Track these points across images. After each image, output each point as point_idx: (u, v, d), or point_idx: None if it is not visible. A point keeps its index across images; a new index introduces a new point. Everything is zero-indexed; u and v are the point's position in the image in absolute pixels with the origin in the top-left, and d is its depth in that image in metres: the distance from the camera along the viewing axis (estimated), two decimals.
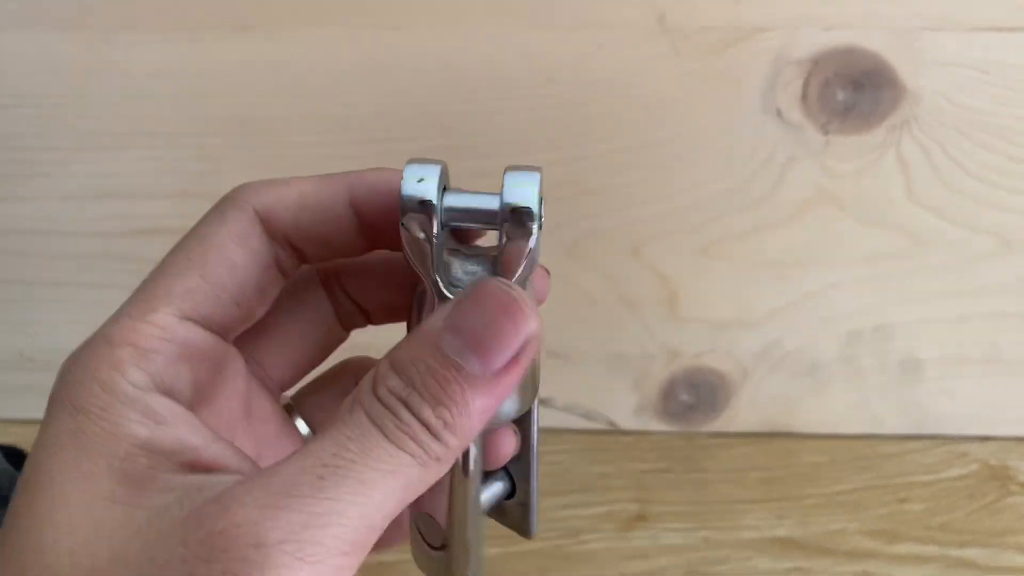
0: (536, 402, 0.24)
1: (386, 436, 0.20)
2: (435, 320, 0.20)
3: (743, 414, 0.47)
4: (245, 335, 0.24)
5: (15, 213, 0.44)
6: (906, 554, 0.42)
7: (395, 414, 0.20)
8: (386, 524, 0.20)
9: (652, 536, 0.43)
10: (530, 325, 0.20)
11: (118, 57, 0.41)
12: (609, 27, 0.39)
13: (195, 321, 0.22)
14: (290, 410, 0.26)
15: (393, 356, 0.20)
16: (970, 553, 0.42)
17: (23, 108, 0.42)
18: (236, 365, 0.24)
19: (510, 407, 0.23)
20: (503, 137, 0.41)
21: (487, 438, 0.24)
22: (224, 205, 0.23)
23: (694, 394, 0.46)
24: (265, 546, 0.18)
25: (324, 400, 0.27)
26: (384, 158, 0.40)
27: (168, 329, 0.21)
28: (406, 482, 0.20)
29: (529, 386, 0.23)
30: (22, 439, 0.39)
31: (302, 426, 0.26)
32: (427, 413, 0.20)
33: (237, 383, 0.24)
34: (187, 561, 0.18)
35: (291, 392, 0.27)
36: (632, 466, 0.46)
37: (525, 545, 0.42)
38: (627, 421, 0.47)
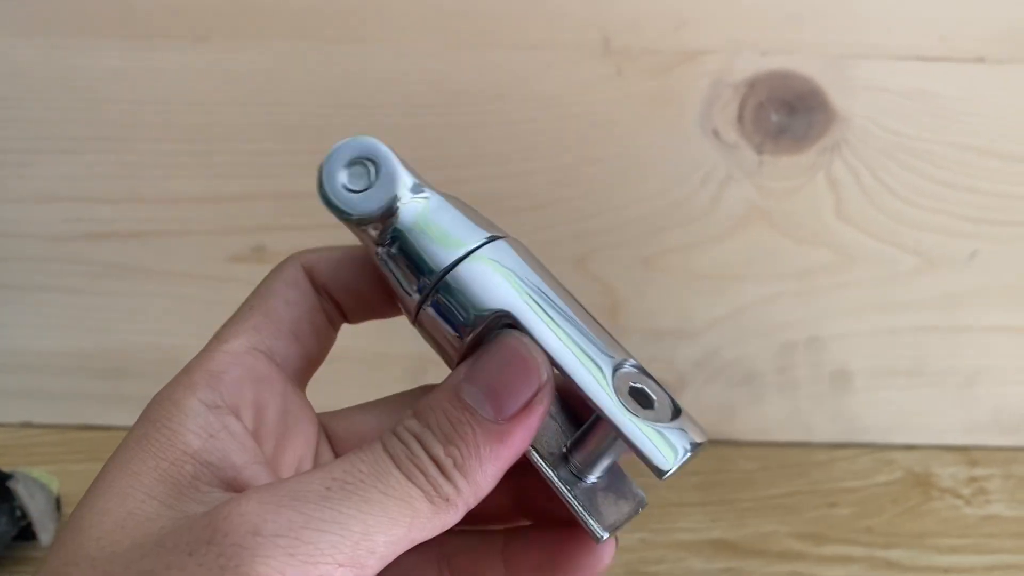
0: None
1: (397, 466, 0.21)
2: (458, 372, 0.22)
3: None
4: (269, 327, 0.25)
5: None
6: (834, 555, 0.44)
7: (408, 447, 0.21)
8: (389, 555, 0.20)
9: None
10: (541, 376, 0.22)
11: (75, 62, 0.41)
12: (556, 47, 0.41)
13: (261, 351, 0.24)
14: None
15: (418, 404, 0.22)
16: (894, 554, 0.44)
17: None
18: (300, 405, 0.25)
19: None
20: (452, 151, 0.42)
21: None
22: (279, 264, 0.26)
23: None
24: (260, 535, 0.19)
25: (359, 426, 0.27)
26: None
27: (237, 355, 0.23)
28: (413, 515, 0.20)
29: None
30: None
31: None
32: (438, 450, 0.21)
33: (301, 424, 0.25)
34: (190, 543, 0.19)
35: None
36: None
37: None
38: None
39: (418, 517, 0.20)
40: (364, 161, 0.24)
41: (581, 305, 0.23)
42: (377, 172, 0.24)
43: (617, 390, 0.22)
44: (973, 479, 0.47)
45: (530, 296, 0.23)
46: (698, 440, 0.22)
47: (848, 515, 0.45)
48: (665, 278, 0.45)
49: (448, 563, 0.25)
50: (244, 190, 0.44)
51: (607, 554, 0.24)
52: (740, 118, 0.42)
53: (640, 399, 0.22)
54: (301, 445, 0.25)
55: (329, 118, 0.42)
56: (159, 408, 0.22)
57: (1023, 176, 0.44)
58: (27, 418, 0.47)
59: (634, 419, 0.21)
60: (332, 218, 0.47)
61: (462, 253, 0.23)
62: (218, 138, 0.43)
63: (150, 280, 0.45)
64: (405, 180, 0.23)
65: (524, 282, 0.23)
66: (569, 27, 0.40)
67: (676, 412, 0.22)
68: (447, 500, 0.21)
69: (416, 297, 0.23)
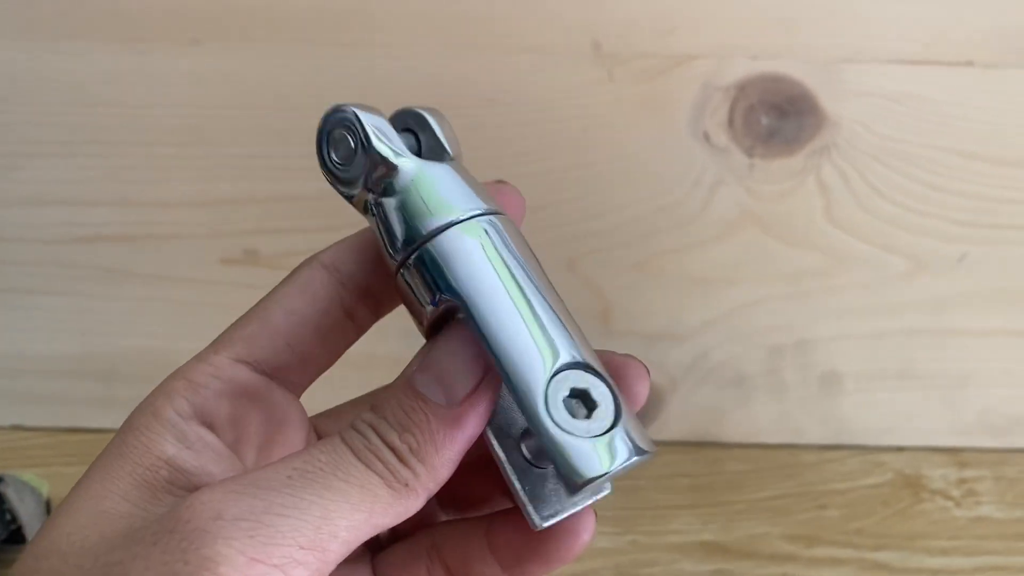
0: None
1: (355, 454, 0.21)
2: (410, 364, 0.22)
3: (672, 424, 0.48)
4: (262, 337, 0.24)
5: None
6: (824, 557, 0.44)
7: (365, 437, 0.22)
8: (352, 540, 0.21)
9: None
10: (489, 359, 0.22)
11: (65, 65, 0.41)
12: (548, 52, 0.41)
13: (247, 363, 0.24)
14: None
15: (375, 398, 0.22)
16: (884, 556, 0.44)
17: None
18: (290, 412, 0.25)
19: None
20: None
21: None
22: (297, 267, 0.25)
23: None
24: (222, 519, 0.19)
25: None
26: None
27: (219, 368, 0.23)
28: (373, 500, 0.21)
29: None
30: None
31: None
32: (393, 437, 0.22)
33: (288, 431, 0.25)
34: (156, 533, 0.20)
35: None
36: None
37: None
38: None
39: (378, 503, 0.21)
40: (345, 132, 0.24)
41: (552, 294, 0.23)
42: (354, 141, 0.23)
43: (550, 395, 0.21)
44: (963, 481, 0.47)
45: (494, 285, 0.22)
46: (629, 455, 0.21)
47: (838, 517, 0.45)
48: (656, 281, 0.45)
49: (438, 553, 0.25)
50: (236, 193, 0.44)
51: (585, 533, 0.23)
52: (731, 122, 0.42)
53: (585, 402, 0.21)
54: (287, 452, 0.25)
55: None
56: (140, 416, 0.23)
57: (1012, 180, 0.44)
58: (17, 421, 0.47)
59: (555, 426, 0.21)
60: (324, 221, 0.47)
61: (444, 223, 0.22)
62: (209, 141, 0.43)
63: (141, 283, 0.45)
64: (381, 145, 0.23)
65: (495, 268, 0.22)
66: (561, 31, 0.41)
67: (615, 421, 0.21)
68: (406, 485, 0.21)
69: (398, 259, 0.23)
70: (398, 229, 0.23)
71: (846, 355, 0.47)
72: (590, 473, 0.21)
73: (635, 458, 0.21)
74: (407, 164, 0.23)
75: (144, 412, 0.23)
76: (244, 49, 0.41)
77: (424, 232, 0.22)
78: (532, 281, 0.22)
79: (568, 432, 0.21)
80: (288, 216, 0.44)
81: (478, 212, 0.23)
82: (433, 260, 0.22)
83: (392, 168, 0.23)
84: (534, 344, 0.21)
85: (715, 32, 0.41)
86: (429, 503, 0.24)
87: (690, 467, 0.47)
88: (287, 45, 0.41)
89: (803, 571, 0.43)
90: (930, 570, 0.43)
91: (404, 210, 0.23)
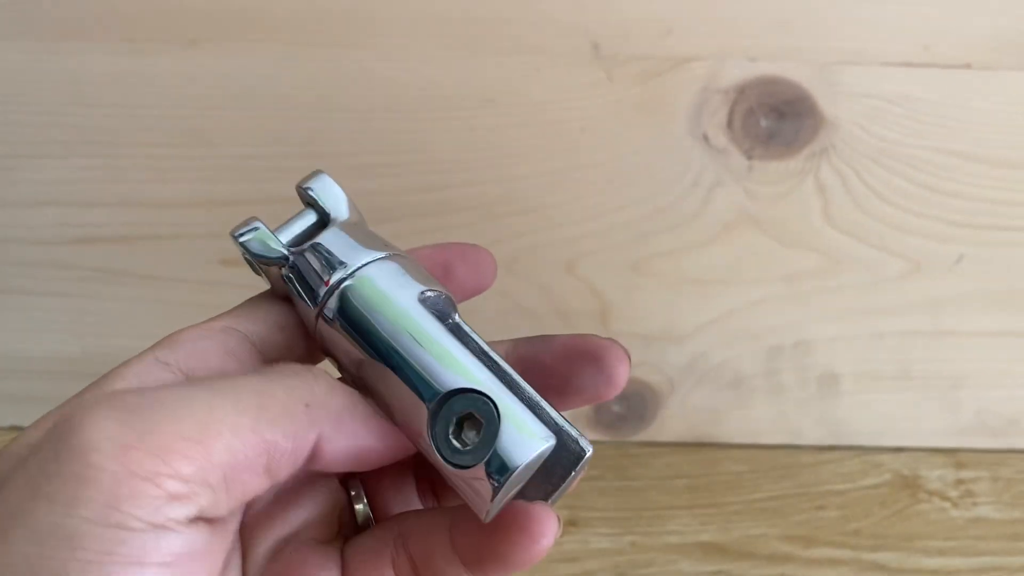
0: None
1: (259, 372, 0.23)
2: None
3: (670, 424, 0.48)
4: (253, 316, 0.25)
5: None
6: (822, 558, 0.44)
7: (284, 368, 0.23)
8: (238, 448, 0.20)
9: (582, 540, 0.44)
10: None
11: (62, 66, 0.41)
12: (546, 53, 0.41)
13: (238, 330, 0.24)
14: None
15: None
16: (881, 556, 0.44)
17: None
18: None
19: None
20: (442, 156, 0.43)
21: None
22: (261, 294, 0.27)
23: (624, 405, 0.48)
24: (94, 412, 0.19)
25: None
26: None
27: (211, 329, 0.24)
28: (261, 408, 0.21)
29: None
30: None
31: None
32: (310, 376, 0.23)
33: None
34: (38, 442, 0.20)
35: None
36: None
37: None
38: None
39: (266, 412, 0.20)
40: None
41: (424, 321, 0.23)
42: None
43: (437, 432, 0.22)
44: (960, 481, 0.47)
45: (363, 349, 0.23)
46: (511, 466, 0.21)
47: (836, 517, 0.46)
48: (654, 282, 0.45)
49: (404, 543, 0.25)
50: (234, 194, 0.44)
51: (543, 537, 0.23)
52: (730, 123, 0.42)
53: (473, 422, 0.22)
54: None
55: (318, 122, 0.42)
56: (116, 368, 0.23)
57: (1009, 181, 0.44)
58: (15, 422, 0.47)
59: (447, 465, 0.22)
60: None
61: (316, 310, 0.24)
62: (208, 142, 0.43)
63: (139, 284, 0.45)
64: (257, 262, 0.26)
65: (359, 332, 0.23)
66: (559, 33, 0.41)
67: (489, 442, 0.22)
68: (306, 405, 0.21)
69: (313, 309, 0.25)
70: (302, 301, 0.25)
71: (844, 356, 0.47)
72: (486, 507, 0.22)
73: (520, 464, 0.22)
74: (276, 269, 0.26)
75: (122, 365, 0.23)
76: (242, 50, 0.41)
77: (315, 307, 0.24)
78: (398, 324, 0.23)
79: (459, 466, 0.22)
80: (287, 217, 0.44)
81: (373, 259, 0.25)
82: (321, 338, 0.25)
83: (273, 271, 0.26)
84: (409, 392, 0.22)
85: (713, 34, 0.41)
86: (406, 489, 0.25)
87: (688, 468, 0.47)
88: (285, 46, 0.41)
89: (801, 571, 0.43)
90: (927, 570, 0.44)
91: (297, 292, 0.25)
